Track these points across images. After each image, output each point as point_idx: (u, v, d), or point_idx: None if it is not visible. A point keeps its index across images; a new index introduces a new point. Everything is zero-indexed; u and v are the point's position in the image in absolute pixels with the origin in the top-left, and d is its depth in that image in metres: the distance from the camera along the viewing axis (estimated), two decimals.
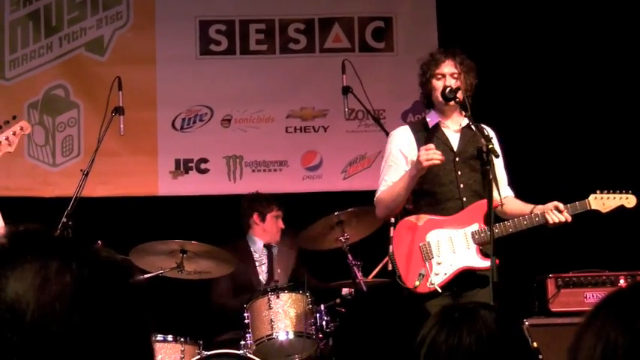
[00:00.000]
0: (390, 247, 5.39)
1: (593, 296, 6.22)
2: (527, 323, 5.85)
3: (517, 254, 6.25)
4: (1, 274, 1.22)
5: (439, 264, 5.21)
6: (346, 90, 6.42)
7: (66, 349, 1.20)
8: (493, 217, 5.25)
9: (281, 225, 6.86)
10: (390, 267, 5.44)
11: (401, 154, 5.34)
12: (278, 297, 5.88)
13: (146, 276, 5.73)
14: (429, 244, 5.24)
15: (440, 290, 5.13)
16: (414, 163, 5.16)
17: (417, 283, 5.16)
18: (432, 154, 5.06)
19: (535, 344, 5.11)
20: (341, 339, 6.03)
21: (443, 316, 2.27)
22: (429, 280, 5.17)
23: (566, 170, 7.37)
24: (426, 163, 5.05)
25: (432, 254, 5.22)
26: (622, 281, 6.29)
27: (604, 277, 6.33)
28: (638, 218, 5.59)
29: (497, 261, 5.10)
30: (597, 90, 7.60)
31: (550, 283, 6.31)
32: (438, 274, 5.18)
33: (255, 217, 6.87)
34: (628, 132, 7.55)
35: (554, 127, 7.60)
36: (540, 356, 5.12)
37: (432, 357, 2.18)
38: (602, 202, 5.32)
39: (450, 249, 5.23)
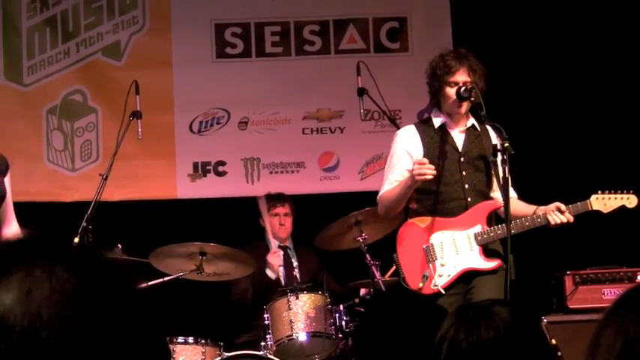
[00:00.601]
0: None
1: (611, 292, 6.21)
2: (545, 320, 5.85)
3: (534, 251, 6.26)
4: None
5: (443, 265, 5.23)
6: (362, 91, 6.41)
7: (58, 357, 1.17)
8: (496, 218, 5.28)
9: (281, 221, 6.86)
10: None
11: (406, 154, 5.36)
12: (297, 298, 5.92)
13: (166, 279, 5.76)
14: (432, 245, 5.27)
15: (443, 292, 5.16)
16: (409, 175, 5.19)
17: (421, 284, 5.19)
18: (425, 170, 5.07)
19: (554, 341, 5.13)
20: (360, 339, 6.04)
21: (458, 316, 2.29)
22: (433, 281, 5.20)
23: (568, 170, 7.36)
24: (418, 178, 5.07)
25: (435, 256, 5.25)
26: None
27: (622, 274, 6.33)
28: None
29: (499, 262, 5.14)
30: (599, 90, 7.59)
31: (568, 280, 6.31)
32: (442, 276, 5.21)
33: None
34: (630, 132, 7.54)
35: (558, 126, 7.59)
36: (559, 353, 5.14)
37: (453, 355, 2.20)
38: (603, 202, 5.32)
39: (453, 251, 5.25)
